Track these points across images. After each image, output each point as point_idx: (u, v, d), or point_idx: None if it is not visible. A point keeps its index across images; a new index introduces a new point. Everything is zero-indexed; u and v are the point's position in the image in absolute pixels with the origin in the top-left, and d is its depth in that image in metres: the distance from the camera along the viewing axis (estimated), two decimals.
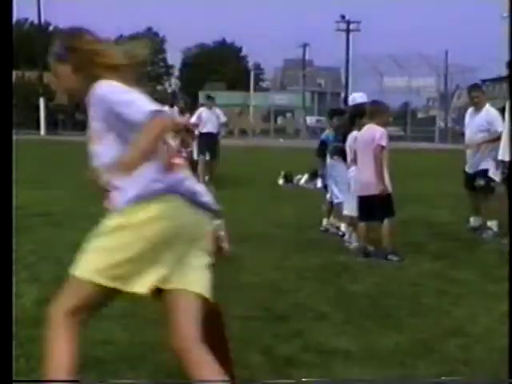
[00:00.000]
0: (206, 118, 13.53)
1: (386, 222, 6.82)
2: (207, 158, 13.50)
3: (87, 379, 3.55)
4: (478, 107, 8.43)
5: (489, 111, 8.40)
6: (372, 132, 6.91)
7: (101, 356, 3.86)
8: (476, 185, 8.29)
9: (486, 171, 8.22)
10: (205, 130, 13.42)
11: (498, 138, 8.12)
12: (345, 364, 3.86)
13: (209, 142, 13.46)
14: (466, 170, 8.61)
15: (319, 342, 4.21)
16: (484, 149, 8.26)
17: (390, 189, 6.85)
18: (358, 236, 7.13)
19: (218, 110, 14.11)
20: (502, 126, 8.08)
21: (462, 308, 5.04)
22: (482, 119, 8.35)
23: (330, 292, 5.42)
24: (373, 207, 6.85)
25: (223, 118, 14.28)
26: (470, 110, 8.69)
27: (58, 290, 5.50)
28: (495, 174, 8.09)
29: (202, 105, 14.53)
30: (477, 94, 8.56)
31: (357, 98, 8.37)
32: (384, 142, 6.83)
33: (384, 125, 7.07)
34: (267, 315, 4.74)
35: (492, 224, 8.21)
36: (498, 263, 6.45)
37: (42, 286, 5.38)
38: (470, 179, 8.46)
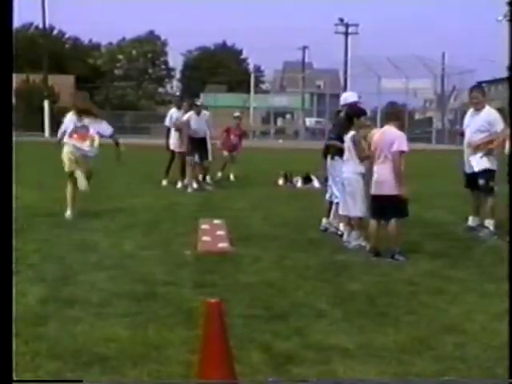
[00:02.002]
0: (196, 126, 13.24)
1: (393, 221, 6.85)
2: (196, 159, 13.35)
3: (90, 375, 3.62)
4: (478, 108, 8.44)
5: (489, 112, 8.40)
6: (392, 135, 6.94)
7: (104, 353, 3.93)
8: (479, 185, 8.32)
9: (485, 171, 8.27)
10: (194, 136, 13.22)
11: (494, 140, 8.20)
12: (343, 361, 3.92)
13: (199, 144, 13.29)
14: (466, 170, 8.64)
15: (318, 339, 4.27)
16: (483, 149, 8.31)
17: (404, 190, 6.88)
18: (369, 234, 7.13)
19: (206, 114, 13.69)
20: (500, 127, 8.16)
21: (459, 306, 5.10)
22: (482, 120, 8.35)
23: (328, 291, 5.48)
24: (385, 206, 6.90)
25: (209, 121, 13.78)
26: (471, 110, 8.69)
27: (62, 288, 5.58)
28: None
29: (193, 105, 13.95)
30: (476, 94, 8.57)
31: (349, 97, 8.47)
32: (405, 148, 6.87)
33: (401, 127, 7.12)
34: (267, 313, 4.80)
35: (489, 223, 8.26)
36: (495, 262, 6.52)
37: (46, 284, 5.47)
38: (471, 179, 8.50)
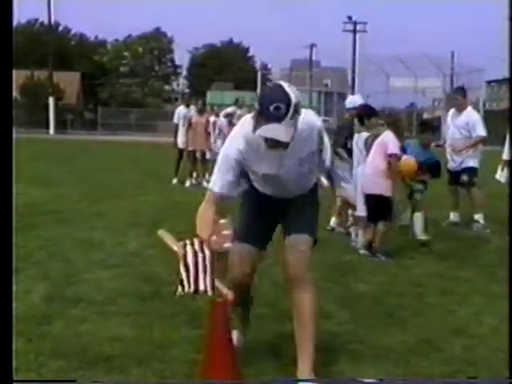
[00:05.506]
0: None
1: (381, 223, 6.84)
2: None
3: (94, 374, 3.60)
4: (459, 109, 8.81)
5: (469, 114, 8.79)
6: (385, 138, 6.96)
7: (108, 352, 3.90)
8: (461, 180, 8.74)
9: (470, 168, 8.66)
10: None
11: (479, 142, 8.61)
12: (350, 362, 3.89)
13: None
14: (449, 167, 8.98)
15: (324, 340, 4.24)
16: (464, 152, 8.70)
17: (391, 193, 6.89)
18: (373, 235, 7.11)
19: (223, 121, 13.48)
20: (483, 131, 8.55)
21: (467, 308, 5.07)
22: (462, 121, 8.73)
23: (335, 291, 5.45)
24: (373, 206, 6.89)
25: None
26: (453, 110, 9.09)
27: (66, 286, 5.55)
28: (501, 176, 8.51)
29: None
30: (455, 96, 9.06)
31: (357, 101, 8.49)
32: (397, 151, 6.89)
33: (399, 132, 7.11)
34: (273, 314, 4.77)
35: (478, 217, 8.59)
36: (502, 263, 6.47)
37: (50, 282, 5.44)
38: (454, 176, 8.88)
